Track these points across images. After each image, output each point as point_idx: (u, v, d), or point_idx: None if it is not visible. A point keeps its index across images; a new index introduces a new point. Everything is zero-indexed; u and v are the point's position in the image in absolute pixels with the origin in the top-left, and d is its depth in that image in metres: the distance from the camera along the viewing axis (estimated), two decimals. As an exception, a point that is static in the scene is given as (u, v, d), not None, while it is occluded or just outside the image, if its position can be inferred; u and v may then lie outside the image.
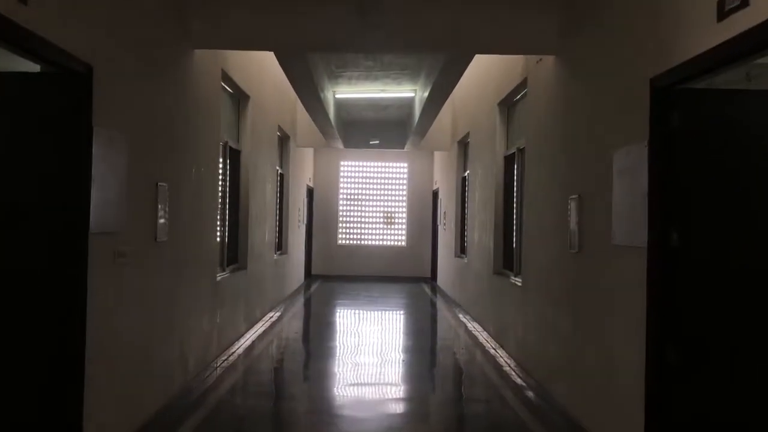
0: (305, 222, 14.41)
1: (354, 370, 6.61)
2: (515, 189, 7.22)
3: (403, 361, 7.15)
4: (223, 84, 6.60)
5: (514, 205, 7.21)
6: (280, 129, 10.32)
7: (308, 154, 14.86)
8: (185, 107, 5.13)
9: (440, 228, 14.29)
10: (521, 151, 7.01)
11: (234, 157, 7.48)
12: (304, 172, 14.05)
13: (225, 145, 7.01)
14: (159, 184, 4.47)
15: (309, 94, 8.19)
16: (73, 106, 3.27)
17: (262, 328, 8.43)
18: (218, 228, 6.74)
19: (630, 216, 3.57)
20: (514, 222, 7.21)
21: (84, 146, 3.31)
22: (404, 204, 16.23)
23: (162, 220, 4.51)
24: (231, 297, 7.02)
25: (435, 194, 15.79)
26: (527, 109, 6.38)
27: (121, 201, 3.81)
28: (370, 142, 13.32)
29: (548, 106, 5.51)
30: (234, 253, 7.59)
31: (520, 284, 6.56)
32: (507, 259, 7.66)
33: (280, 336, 8.25)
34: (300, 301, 11.68)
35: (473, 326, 8.83)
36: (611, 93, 4.02)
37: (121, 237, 3.84)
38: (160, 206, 4.47)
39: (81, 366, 3.33)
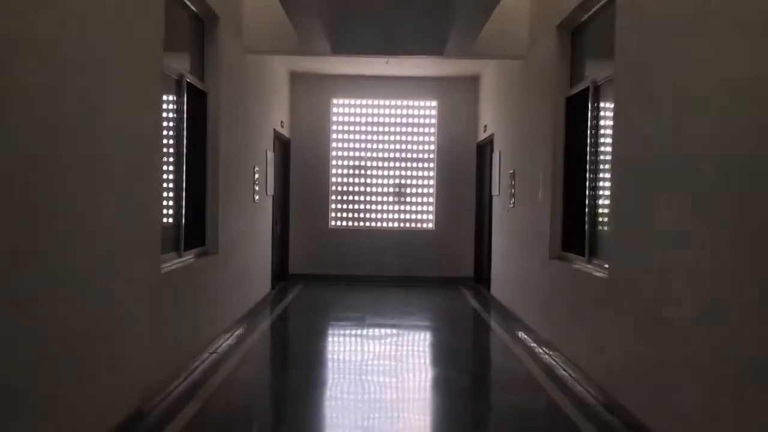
0: (273, 192, 8.70)
1: None
2: None
3: None
4: None
5: None
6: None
7: (276, 78, 9.07)
8: None
9: (497, 202, 8.56)
10: None
11: None
12: (267, 107, 8.30)
13: None
14: None
15: None
16: None
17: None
18: None
19: None
20: None
21: None
22: (432, 165, 10.46)
23: None
24: None
25: (481, 147, 10.01)
26: None
27: None
28: (386, 59, 7.49)
29: None
30: None
31: None
32: None
33: None
34: (250, 341, 6.03)
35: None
36: None
37: None
38: None
39: None
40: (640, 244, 3.79)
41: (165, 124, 4.54)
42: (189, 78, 5.09)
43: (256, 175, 7.49)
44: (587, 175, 5.07)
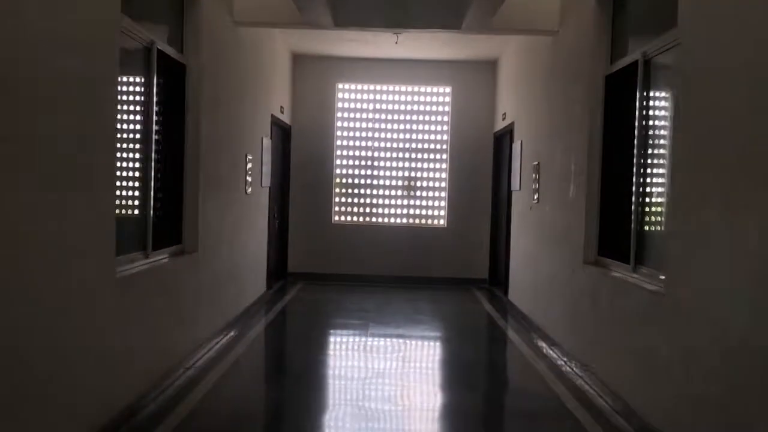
0: (270, 183, 7.93)
1: None
2: None
3: None
4: None
5: None
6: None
7: (276, 59, 8.28)
8: None
9: (517, 197, 7.74)
10: None
11: None
12: (265, 90, 7.52)
13: None
14: None
15: None
16: None
17: None
18: None
19: None
20: None
21: None
22: (445, 156, 9.64)
23: None
24: None
25: (499, 137, 9.19)
26: None
27: None
28: (394, 33, 6.71)
29: None
30: None
31: None
32: None
33: None
34: (235, 354, 5.25)
35: None
36: None
37: None
38: None
39: None
40: (710, 252, 2.96)
41: (131, 101, 3.78)
42: (161, 46, 4.31)
43: (249, 165, 6.72)
44: (634, 168, 4.24)
